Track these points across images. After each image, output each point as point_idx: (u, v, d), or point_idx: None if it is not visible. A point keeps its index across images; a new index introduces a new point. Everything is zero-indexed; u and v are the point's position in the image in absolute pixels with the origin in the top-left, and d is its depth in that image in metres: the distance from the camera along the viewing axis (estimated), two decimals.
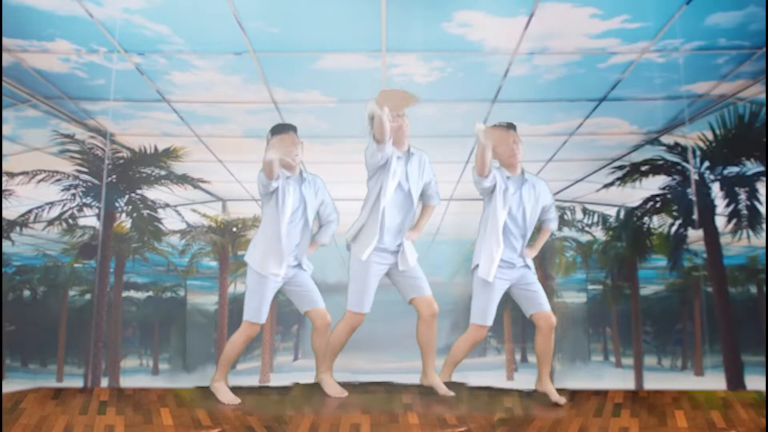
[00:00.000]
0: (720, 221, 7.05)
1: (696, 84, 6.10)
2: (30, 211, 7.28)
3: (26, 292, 8.27)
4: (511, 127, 3.31)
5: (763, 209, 6.82)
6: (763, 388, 4.21)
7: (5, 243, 7.21)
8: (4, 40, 5.35)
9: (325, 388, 3.16)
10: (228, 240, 8.25)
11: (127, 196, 7.47)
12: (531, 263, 3.27)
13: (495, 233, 3.15)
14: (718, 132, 6.84)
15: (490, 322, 3.22)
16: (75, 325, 7.96)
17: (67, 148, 7.10)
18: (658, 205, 7.62)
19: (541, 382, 3.24)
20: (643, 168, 7.39)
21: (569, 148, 7.08)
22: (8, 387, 3.71)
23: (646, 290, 8.37)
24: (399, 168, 3.13)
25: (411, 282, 3.14)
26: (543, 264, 8.47)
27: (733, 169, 7.02)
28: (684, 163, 7.22)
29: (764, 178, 6.77)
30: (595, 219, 8.37)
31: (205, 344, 8.24)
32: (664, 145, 7.12)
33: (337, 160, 6.74)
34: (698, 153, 7.09)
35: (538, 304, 3.21)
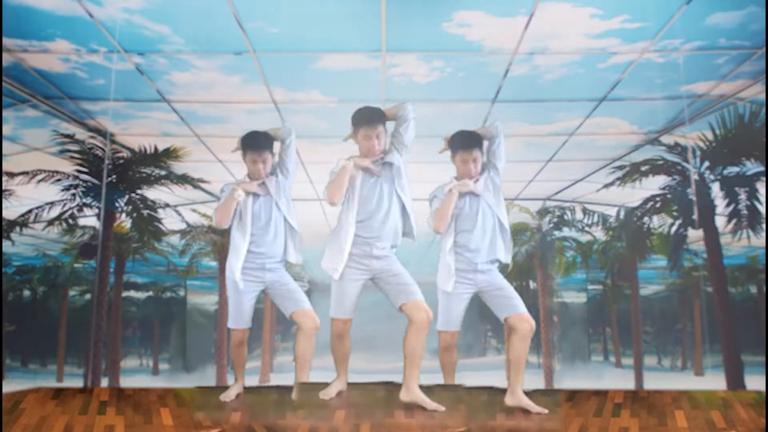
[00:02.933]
0: (720, 221, 7.05)
1: (696, 84, 6.11)
2: (30, 211, 7.28)
3: (26, 292, 8.27)
4: (469, 144, 3.29)
5: (763, 209, 6.82)
6: (763, 388, 4.21)
7: (5, 243, 7.21)
8: (4, 40, 5.35)
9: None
10: (228, 240, 8.25)
11: (127, 196, 7.47)
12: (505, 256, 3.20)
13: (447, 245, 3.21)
14: (718, 132, 6.84)
15: (452, 327, 3.20)
16: (75, 325, 7.96)
17: (67, 148, 7.10)
18: (658, 205, 7.62)
19: (515, 395, 3.07)
20: (643, 168, 7.39)
21: (569, 148, 7.08)
22: (8, 387, 3.71)
23: (646, 290, 8.37)
24: (362, 179, 3.14)
25: (401, 288, 3.06)
26: (543, 264, 8.47)
27: (733, 169, 7.03)
28: (684, 163, 7.23)
29: (764, 178, 6.77)
30: (595, 219, 8.37)
31: (205, 344, 8.24)
32: (664, 145, 7.12)
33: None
34: (698, 153, 7.09)
35: (512, 306, 3.10)
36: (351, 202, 3.12)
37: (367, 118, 3.17)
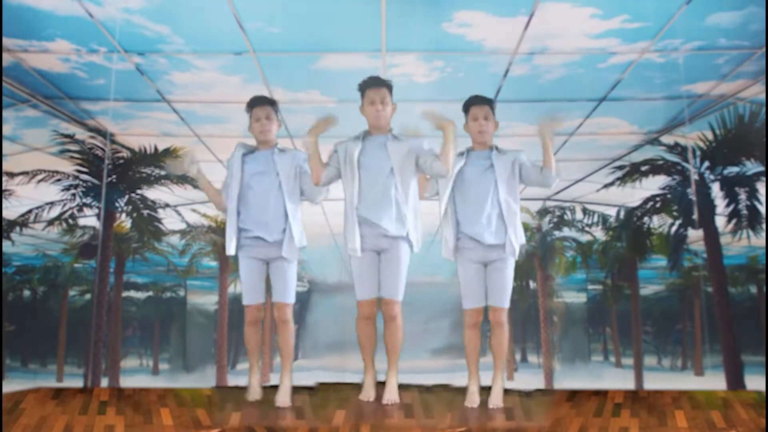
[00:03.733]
0: (720, 221, 7.05)
1: (696, 84, 6.11)
2: (30, 211, 7.28)
3: (26, 292, 8.27)
4: (482, 100, 3.20)
5: (763, 209, 6.82)
6: (763, 388, 4.21)
7: (5, 243, 7.21)
8: (4, 40, 5.35)
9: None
10: None
11: (127, 196, 7.47)
12: (512, 243, 3.08)
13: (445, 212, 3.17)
14: (718, 132, 6.84)
15: (472, 305, 3.10)
16: (75, 325, 7.96)
17: (67, 148, 7.10)
18: (658, 205, 7.62)
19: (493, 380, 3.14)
20: (643, 168, 7.39)
21: (569, 148, 7.08)
22: (8, 387, 3.71)
23: (646, 290, 8.37)
24: (362, 150, 3.10)
25: (384, 280, 3.04)
26: (543, 264, 8.47)
27: (733, 169, 7.03)
28: (684, 163, 7.23)
29: (764, 178, 6.77)
30: (595, 219, 8.37)
31: (205, 344, 8.24)
32: (664, 145, 7.12)
33: None
34: (698, 153, 7.09)
35: (492, 298, 3.08)
36: (351, 180, 3.07)
37: (372, 81, 3.13)
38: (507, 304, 3.10)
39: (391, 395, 3.04)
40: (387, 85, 3.16)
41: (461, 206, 3.15)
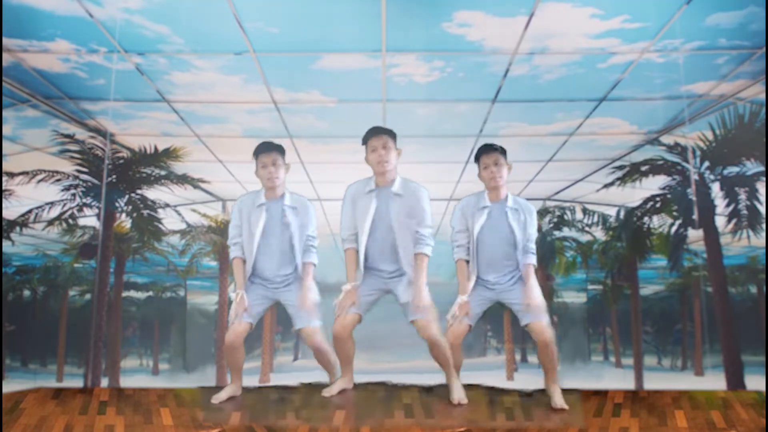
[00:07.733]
0: (720, 221, 7.05)
1: (696, 84, 6.10)
2: (30, 211, 7.28)
3: (26, 292, 8.26)
4: (491, 149, 3.21)
5: (763, 209, 6.82)
6: (763, 388, 4.21)
7: (5, 243, 7.21)
8: (4, 40, 5.35)
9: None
10: (227, 240, 8.24)
11: (127, 196, 7.47)
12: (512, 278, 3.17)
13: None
14: (718, 132, 6.84)
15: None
16: (75, 325, 7.96)
17: (67, 148, 7.10)
18: (658, 205, 7.62)
19: (548, 391, 3.19)
20: (643, 168, 7.39)
21: (569, 148, 7.08)
22: (8, 387, 3.72)
23: (646, 290, 8.37)
24: (374, 204, 3.12)
25: (405, 307, 3.09)
26: (543, 264, 8.47)
27: (733, 169, 7.03)
28: (684, 163, 7.23)
29: (764, 178, 6.77)
30: (595, 219, 8.37)
31: (205, 344, 8.24)
32: (664, 145, 7.12)
33: (337, 160, 6.75)
34: (698, 153, 7.09)
35: (525, 316, 3.19)
36: (361, 232, 3.14)
37: (373, 131, 3.15)
38: (541, 319, 3.17)
39: (458, 394, 3.06)
40: (388, 132, 3.16)
41: (479, 257, 3.20)
